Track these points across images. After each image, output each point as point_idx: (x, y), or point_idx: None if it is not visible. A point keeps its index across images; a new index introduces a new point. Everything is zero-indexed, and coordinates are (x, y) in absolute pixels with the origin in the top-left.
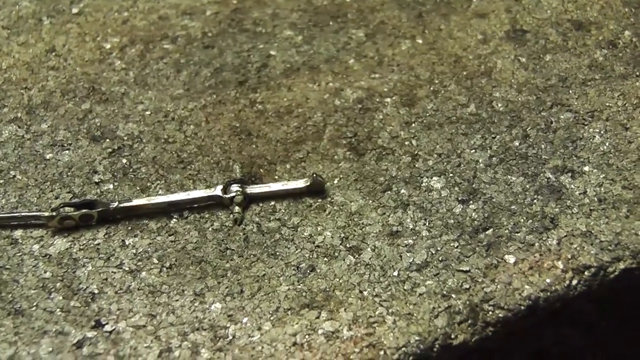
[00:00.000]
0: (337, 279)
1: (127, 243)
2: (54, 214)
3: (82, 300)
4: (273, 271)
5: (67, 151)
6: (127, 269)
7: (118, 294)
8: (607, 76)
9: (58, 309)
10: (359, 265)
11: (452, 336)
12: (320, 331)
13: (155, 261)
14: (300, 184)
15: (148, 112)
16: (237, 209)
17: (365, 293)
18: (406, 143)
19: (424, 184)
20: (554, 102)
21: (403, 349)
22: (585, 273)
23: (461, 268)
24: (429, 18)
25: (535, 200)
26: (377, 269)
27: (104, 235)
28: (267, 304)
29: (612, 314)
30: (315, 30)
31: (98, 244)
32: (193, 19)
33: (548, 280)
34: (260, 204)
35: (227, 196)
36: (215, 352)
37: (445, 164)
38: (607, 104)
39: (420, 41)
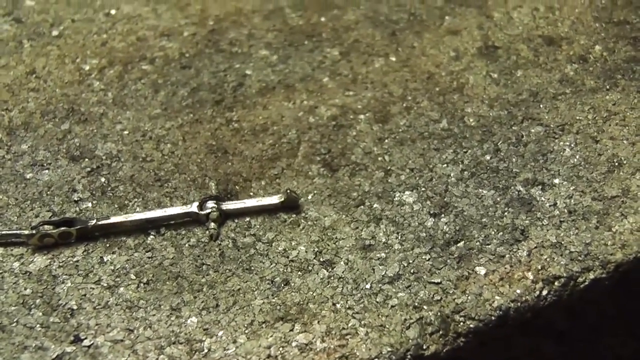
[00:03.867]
0: (311, 292)
1: (105, 260)
2: (34, 232)
3: (61, 315)
4: (248, 285)
5: (46, 171)
6: (105, 285)
7: (96, 310)
8: (578, 90)
9: (38, 325)
10: (332, 278)
11: (424, 347)
12: (294, 343)
13: (133, 277)
14: (275, 200)
15: (126, 132)
16: (212, 225)
17: (338, 306)
18: (379, 159)
19: (396, 199)
20: (525, 117)
21: (375, 359)
22: (556, 283)
23: (433, 280)
24: (402, 36)
25: (506, 213)
26: (350, 282)
27: (82, 252)
28: (242, 317)
29: (583, 323)
30: (290, 50)
31: (77, 261)
32: (171, 40)
33: (518, 291)
34: (236, 220)
35: (203, 213)
36: None
37: (417, 178)
38: (578, 118)
39: (393, 59)
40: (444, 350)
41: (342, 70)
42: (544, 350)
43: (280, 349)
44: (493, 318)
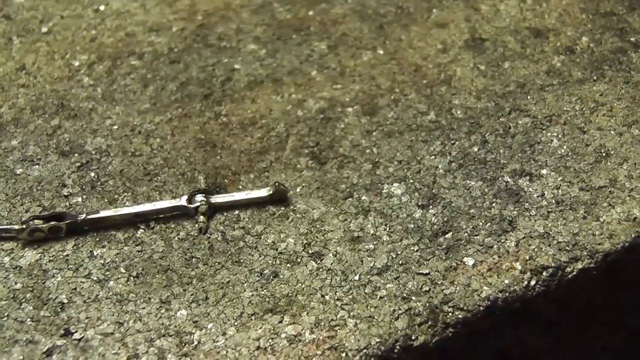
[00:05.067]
0: (300, 284)
1: (95, 254)
2: (24, 226)
3: (51, 309)
4: (237, 278)
5: (36, 166)
6: (95, 278)
7: (87, 303)
8: (565, 81)
9: (28, 319)
10: (321, 270)
11: (413, 337)
12: (283, 335)
13: (123, 270)
14: (263, 192)
15: (115, 127)
16: (201, 218)
17: (327, 297)
18: (367, 151)
19: (384, 191)
20: (512, 108)
21: (364, 350)
22: (544, 273)
23: (421, 271)
24: (389, 29)
25: (493, 204)
26: (338, 274)
27: (72, 247)
28: (231, 309)
29: (572, 313)
30: (278, 44)
31: (67, 255)
32: (159, 35)
33: (506, 281)
34: (225, 213)
35: (192, 206)
36: (181, 357)
37: (405, 170)
38: (565, 109)
39: (381, 52)
40: (433, 341)
41: (330, 63)
42: (532, 340)
43: (270, 340)
44: (481, 308)
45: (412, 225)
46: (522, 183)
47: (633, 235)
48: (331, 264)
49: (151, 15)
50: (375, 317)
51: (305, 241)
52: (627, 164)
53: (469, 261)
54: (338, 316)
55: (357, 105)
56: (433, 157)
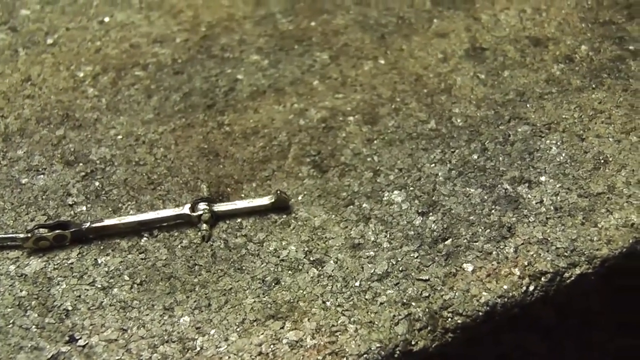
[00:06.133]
0: (301, 291)
1: (99, 261)
2: (29, 235)
3: (56, 316)
4: (239, 285)
5: (42, 175)
6: (99, 286)
7: (91, 310)
8: (564, 89)
9: (33, 326)
10: (322, 277)
11: (413, 342)
12: (284, 341)
13: (127, 278)
14: (265, 201)
15: (120, 137)
16: (204, 226)
17: (328, 303)
18: (368, 159)
19: (385, 198)
20: (511, 116)
21: (365, 355)
22: (542, 279)
23: (421, 277)
24: (390, 39)
25: (493, 211)
26: (339, 280)
27: (77, 255)
28: (233, 316)
29: (570, 318)
30: (280, 54)
31: (72, 263)
32: (163, 46)
33: (505, 287)
34: (227, 221)
35: (195, 214)
36: None
37: (405, 178)
38: (564, 116)
39: (382, 61)
40: (433, 346)
41: (331, 73)
42: (531, 345)
43: (271, 346)
44: (480, 314)
45: (412, 232)
46: (521, 190)
47: (631, 241)
48: (332, 270)
49: (155, 26)
50: (376, 322)
51: (306, 248)
52: (625, 171)
53: (469, 267)
54: (339, 322)
55: (358, 115)
56: (433, 164)
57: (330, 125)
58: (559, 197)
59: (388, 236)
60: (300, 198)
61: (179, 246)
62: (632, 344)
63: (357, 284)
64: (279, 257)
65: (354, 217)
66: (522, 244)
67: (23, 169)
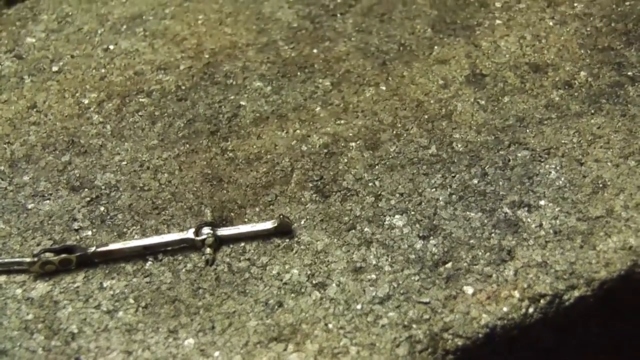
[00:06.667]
0: (304, 314)
1: (104, 285)
2: (36, 259)
3: (62, 339)
4: (243, 308)
5: (47, 201)
6: (105, 309)
7: (96, 333)
8: (563, 115)
9: (40, 348)
10: (324, 300)
11: None
12: None
13: (132, 301)
14: (268, 225)
15: (124, 163)
16: (208, 250)
17: (330, 326)
18: (370, 184)
19: (386, 222)
20: (511, 141)
21: None
22: (541, 301)
23: (421, 300)
24: (392, 66)
25: (492, 234)
26: (341, 303)
27: (83, 279)
28: (237, 338)
29: (569, 340)
30: (283, 81)
31: (77, 287)
32: (167, 73)
33: (505, 309)
34: (231, 245)
35: (199, 238)
36: None
37: (407, 202)
38: (563, 141)
39: (383, 88)
40: None
41: (333, 99)
42: None
43: None
44: (480, 335)
45: (413, 256)
46: (521, 214)
47: (629, 264)
48: (334, 293)
49: (159, 54)
50: (377, 344)
51: (309, 272)
52: (624, 195)
53: (469, 290)
54: (341, 344)
55: (360, 140)
56: (434, 189)
57: (332, 151)
58: (558, 221)
59: (389, 260)
60: (302, 222)
61: (183, 270)
62: None
63: (359, 306)
64: (281, 280)
65: (355, 241)
66: (522, 267)
67: (29, 194)
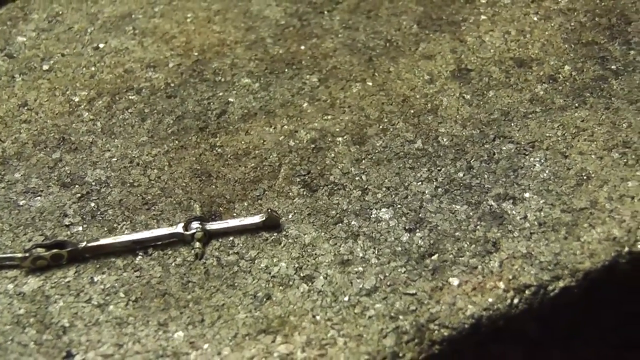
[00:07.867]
0: (292, 306)
1: (95, 280)
2: (27, 255)
3: (54, 333)
4: (232, 301)
5: (39, 197)
6: (95, 303)
7: (87, 327)
8: (548, 108)
9: (32, 342)
10: (312, 292)
11: (400, 355)
12: (275, 354)
13: (122, 295)
14: (257, 219)
15: (114, 159)
16: (197, 244)
17: (318, 317)
18: (356, 178)
19: (373, 216)
20: (496, 135)
21: None
22: (526, 292)
23: (408, 291)
24: (378, 62)
25: (478, 227)
26: (329, 295)
27: (73, 273)
28: (226, 330)
29: (555, 330)
30: (271, 77)
31: (68, 282)
32: (157, 71)
33: (490, 300)
34: (220, 240)
35: (188, 233)
36: None
37: (393, 196)
38: (547, 135)
39: (370, 83)
40: (420, 358)
41: (320, 95)
42: (516, 358)
43: (263, 359)
44: (466, 326)
45: (400, 248)
46: (506, 206)
47: (613, 255)
48: (322, 286)
49: (148, 52)
50: (364, 335)
51: (297, 265)
52: (607, 186)
53: (454, 281)
54: (328, 335)
55: (346, 135)
56: (420, 183)
57: (319, 146)
58: (542, 213)
59: (376, 252)
60: (290, 216)
61: (173, 264)
62: (615, 355)
63: (346, 298)
64: (270, 273)
65: (342, 234)
66: (507, 258)
67: (20, 191)
